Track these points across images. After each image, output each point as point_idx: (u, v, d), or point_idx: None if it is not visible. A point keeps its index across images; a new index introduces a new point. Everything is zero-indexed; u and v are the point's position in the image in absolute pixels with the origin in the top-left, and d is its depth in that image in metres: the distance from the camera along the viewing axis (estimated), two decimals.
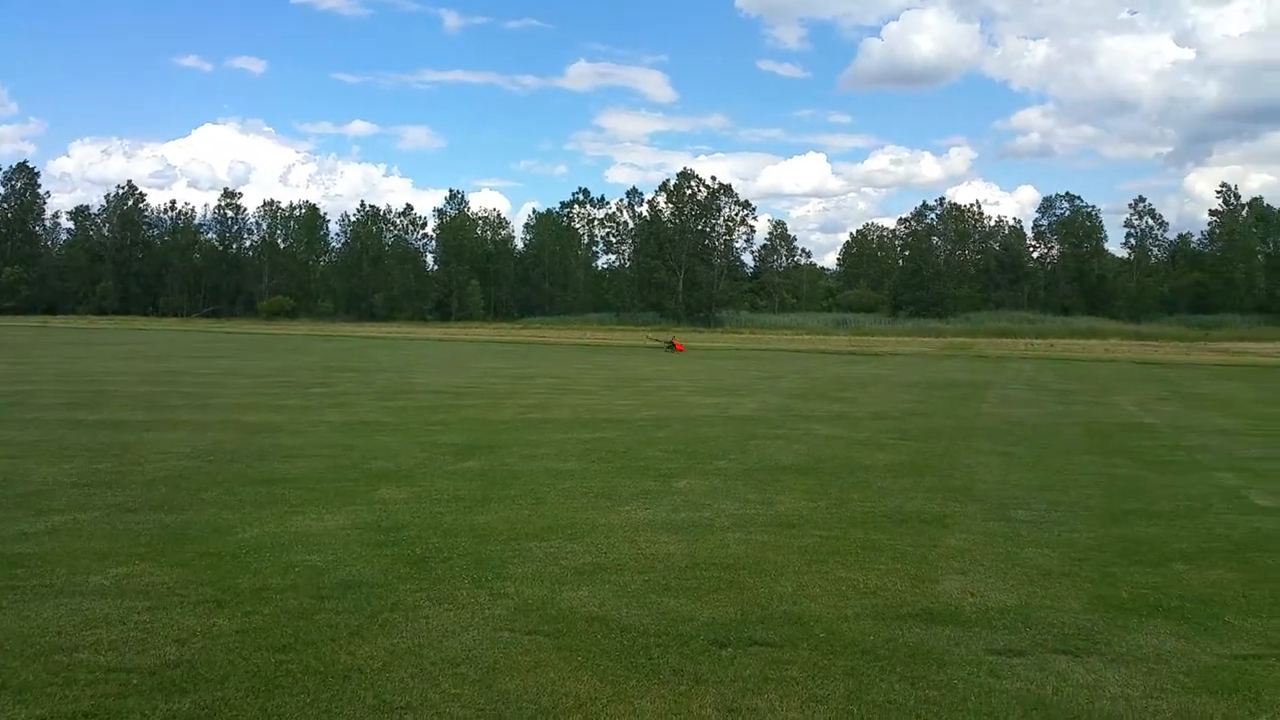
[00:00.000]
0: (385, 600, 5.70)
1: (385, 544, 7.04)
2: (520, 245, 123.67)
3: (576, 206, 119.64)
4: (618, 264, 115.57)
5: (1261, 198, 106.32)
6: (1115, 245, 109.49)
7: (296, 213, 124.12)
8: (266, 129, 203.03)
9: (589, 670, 4.68)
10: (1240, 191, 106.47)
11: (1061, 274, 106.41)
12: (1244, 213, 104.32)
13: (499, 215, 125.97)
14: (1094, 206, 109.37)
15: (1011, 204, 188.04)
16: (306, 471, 10.17)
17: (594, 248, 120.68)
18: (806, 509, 8.69)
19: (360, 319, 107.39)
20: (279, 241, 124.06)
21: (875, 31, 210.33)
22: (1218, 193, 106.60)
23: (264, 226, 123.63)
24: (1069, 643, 5.19)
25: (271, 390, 20.93)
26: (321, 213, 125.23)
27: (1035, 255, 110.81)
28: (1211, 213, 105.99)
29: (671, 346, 49.12)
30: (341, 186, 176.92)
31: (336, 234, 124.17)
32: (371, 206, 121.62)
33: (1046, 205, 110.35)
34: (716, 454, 12.04)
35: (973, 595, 6.05)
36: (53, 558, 6.51)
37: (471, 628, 5.25)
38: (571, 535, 7.41)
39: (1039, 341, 65.24)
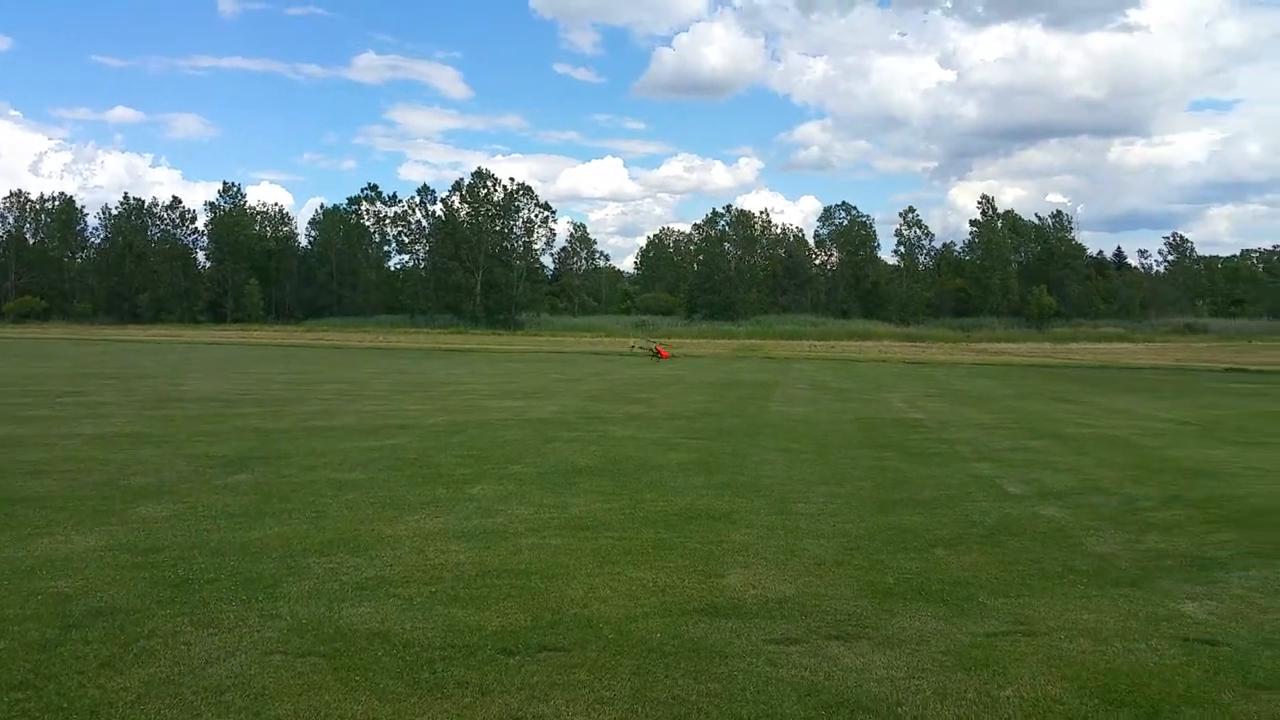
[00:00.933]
0: (142, 627, 5.23)
1: (143, 566, 6.47)
2: (305, 243, 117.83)
3: (366, 204, 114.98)
4: (412, 264, 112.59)
5: (1013, 210, 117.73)
6: (887, 253, 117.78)
7: (49, 205, 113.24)
8: (14, 113, 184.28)
9: (367, 690, 4.46)
10: (997, 204, 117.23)
11: (840, 280, 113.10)
12: (999, 224, 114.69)
13: (281, 210, 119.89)
14: (869, 216, 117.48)
15: (796, 213, 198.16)
16: (54, 489, 9.22)
17: (386, 247, 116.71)
18: (601, 510, 8.73)
19: (123, 321, 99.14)
20: (27, 236, 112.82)
21: (667, 41, 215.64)
22: (977, 205, 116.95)
23: (10, 220, 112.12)
24: (841, 629, 5.46)
25: (16, 400, 18.92)
26: (78, 205, 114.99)
27: (817, 262, 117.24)
28: (972, 223, 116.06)
29: (657, 354, 46.05)
30: (101, 177, 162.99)
31: (95, 229, 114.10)
32: (136, 199, 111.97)
33: (826, 215, 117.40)
34: (512, 458, 11.90)
35: (754, 587, 6.25)
36: None
37: (238, 652, 4.89)
38: (354, 549, 7.08)
39: (820, 343, 69.19)
